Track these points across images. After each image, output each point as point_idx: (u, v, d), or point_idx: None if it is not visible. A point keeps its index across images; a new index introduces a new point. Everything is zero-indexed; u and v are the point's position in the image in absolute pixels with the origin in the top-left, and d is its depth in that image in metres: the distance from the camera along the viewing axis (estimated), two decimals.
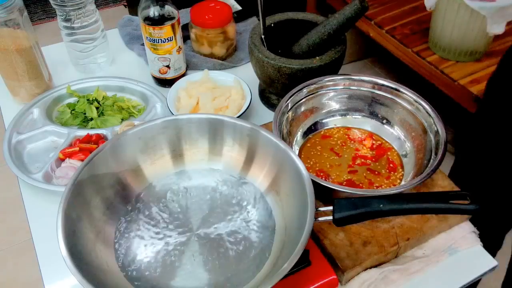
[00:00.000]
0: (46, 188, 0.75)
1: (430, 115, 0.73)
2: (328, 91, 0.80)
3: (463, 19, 1.22)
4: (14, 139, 0.83)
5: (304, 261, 0.61)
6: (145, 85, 0.94)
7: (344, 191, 0.63)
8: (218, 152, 0.69)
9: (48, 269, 0.68)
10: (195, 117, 0.67)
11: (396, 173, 0.74)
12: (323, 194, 0.63)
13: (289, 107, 0.76)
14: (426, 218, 0.68)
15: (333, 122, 0.81)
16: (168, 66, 0.93)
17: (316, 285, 0.60)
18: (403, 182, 0.73)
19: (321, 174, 0.73)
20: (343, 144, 0.78)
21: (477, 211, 0.53)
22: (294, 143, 0.77)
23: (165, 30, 0.88)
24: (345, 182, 0.72)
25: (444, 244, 0.69)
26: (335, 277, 0.61)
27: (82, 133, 0.83)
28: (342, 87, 0.80)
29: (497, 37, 1.35)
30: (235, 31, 1.03)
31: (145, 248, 0.60)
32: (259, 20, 0.84)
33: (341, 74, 0.80)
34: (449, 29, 1.27)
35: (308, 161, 0.75)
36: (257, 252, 0.60)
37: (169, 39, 0.89)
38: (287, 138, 0.74)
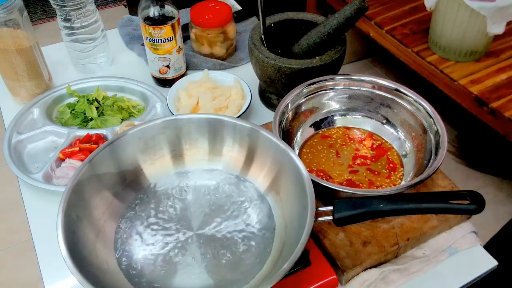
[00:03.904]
0: (46, 188, 0.75)
1: (430, 115, 0.73)
2: (328, 91, 0.80)
3: (463, 19, 1.22)
4: (14, 139, 0.83)
5: (304, 261, 0.61)
6: (145, 85, 0.94)
7: (344, 191, 0.63)
8: (218, 152, 0.69)
9: (48, 269, 0.68)
10: (195, 117, 0.67)
11: (396, 173, 0.74)
12: (323, 194, 0.63)
13: (289, 107, 0.76)
14: (426, 218, 0.68)
15: (333, 122, 0.81)
16: (168, 66, 0.93)
17: (316, 285, 0.60)
18: (403, 182, 0.73)
19: (321, 174, 0.73)
20: (343, 144, 0.78)
21: (477, 211, 0.53)
22: (294, 143, 0.77)
23: (165, 30, 0.88)
24: (345, 182, 0.72)
25: (444, 244, 0.69)
26: (335, 277, 0.61)
27: (82, 133, 0.83)
28: (342, 87, 0.80)
29: (497, 37, 1.35)
30: (235, 31, 1.02)
31: (145, 248, 0.60)
32: (259, 20, 0.84)
33: (341, 74, 0.80)
34: (449, 29, 1.27)
35: (308, 161, 0.75)
36: (257, 252, 0.60)
37: (169, 39, 0.89)
38: (287, 138, 0.74)
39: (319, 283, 0.60)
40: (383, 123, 0.80)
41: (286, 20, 0.88)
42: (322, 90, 0.79)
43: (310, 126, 0.80)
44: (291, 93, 0.76)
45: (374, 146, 0.78)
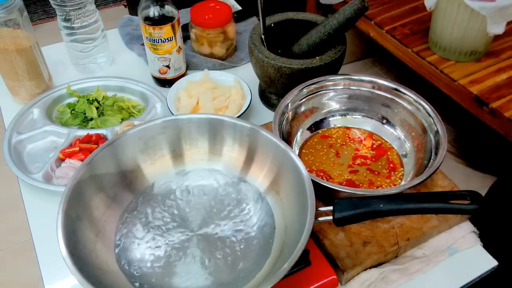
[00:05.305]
0: (46, 188, 0.75)
1: (430, 115, 0.73)
2: (328, 91, 0.80)
3: (463, 19, 1.22)
4: (14, 139, 0.83)
5: (304, 261, 0.61)
6: (145, 85, 0.94)
7: (344, 191, 0.63)
8: (218, 152, 0.69)
9: (48, 269, 0.68)
10: (195, 117, 0.67)
11: (396, 173, 0.74)
12: (323, 194, 0.63)
13: (289, 107, 0.76)
14: (426, 218, 0.68)
15: (333, 122, 0.81)
16: (168, 66, 0.93)
17: (316, 285, 0.60)
18: (403, 182, 0.73)
19: (321, 174, 0.73)
20: (343, 144, 0.78)
21: (477, 211, 0.53)
22: (294, 143, 0.77)
23: (165, 30, 0.88)
24: (345, 182, 0.72)
25: (444, 244, 0.69)
26: (335, 277, 0.61)
27: (82, 133, 0.83)
28: (342, 87, 0.80)
29: (497, 37, 1.35)
30: (235, 31, 1.02)
31: (145, 248, 0.60)
32: (259, 20, 0.84)
33: (341, 74, 0.80)
34: (449, 29, 1.27)
35: (308, 161, 0.75)
36: (257, 252, 0.60)
37: (169, 39, 0.89)
38: (287, 138, 0.74)
39: (319, 283, 0.60)
40: (383, 123, 0.80)
41: (286, 20, 0.88)
42: (322, 90, 0.79)
43: (310, 126, 0.80)
44: (291, 93, 0.76)
45: (374, 146, 0.78)
